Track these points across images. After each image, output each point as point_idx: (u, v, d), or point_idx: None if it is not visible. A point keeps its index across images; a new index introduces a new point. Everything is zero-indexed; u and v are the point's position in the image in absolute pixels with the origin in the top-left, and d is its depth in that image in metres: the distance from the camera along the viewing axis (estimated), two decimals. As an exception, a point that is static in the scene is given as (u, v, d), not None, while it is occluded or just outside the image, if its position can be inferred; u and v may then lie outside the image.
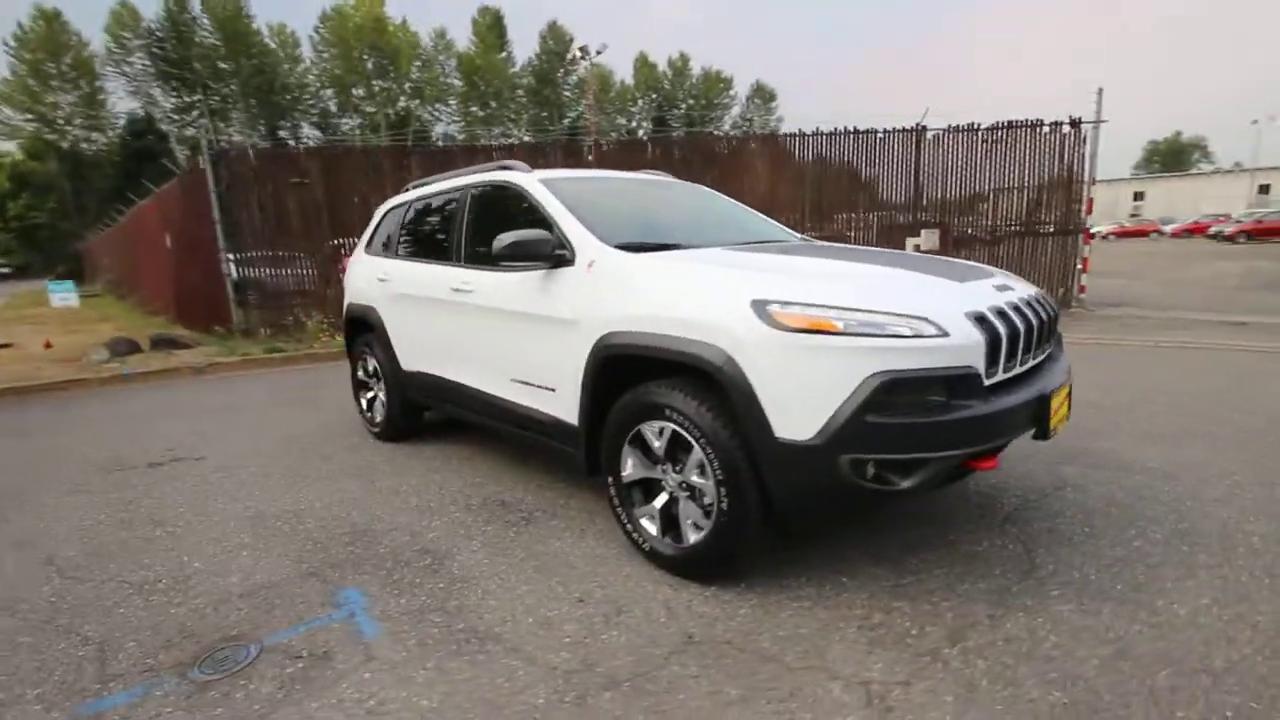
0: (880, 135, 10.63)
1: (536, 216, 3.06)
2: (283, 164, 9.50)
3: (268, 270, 9.40)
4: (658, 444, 2.41)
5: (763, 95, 66.56)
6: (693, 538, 2.37)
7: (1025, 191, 10.75)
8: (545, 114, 55.31)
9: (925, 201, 10.83)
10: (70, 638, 2.25)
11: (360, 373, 4.55)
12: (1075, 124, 10.38)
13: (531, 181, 3.17)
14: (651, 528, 2.52)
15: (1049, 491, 3.08)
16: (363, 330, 4.47)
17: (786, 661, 1.96)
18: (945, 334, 1.99)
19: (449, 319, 3.49)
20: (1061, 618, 2.10)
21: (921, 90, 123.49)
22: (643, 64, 62.27)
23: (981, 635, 2.03)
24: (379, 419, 4.40)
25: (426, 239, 3.97)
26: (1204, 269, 16.32)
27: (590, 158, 10.47)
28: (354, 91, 46.34)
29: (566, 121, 55.08)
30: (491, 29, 51.30)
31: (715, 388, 2.23)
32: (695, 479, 2.31)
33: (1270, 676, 1.80)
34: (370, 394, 4.51)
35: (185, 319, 10.75)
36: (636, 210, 3.27)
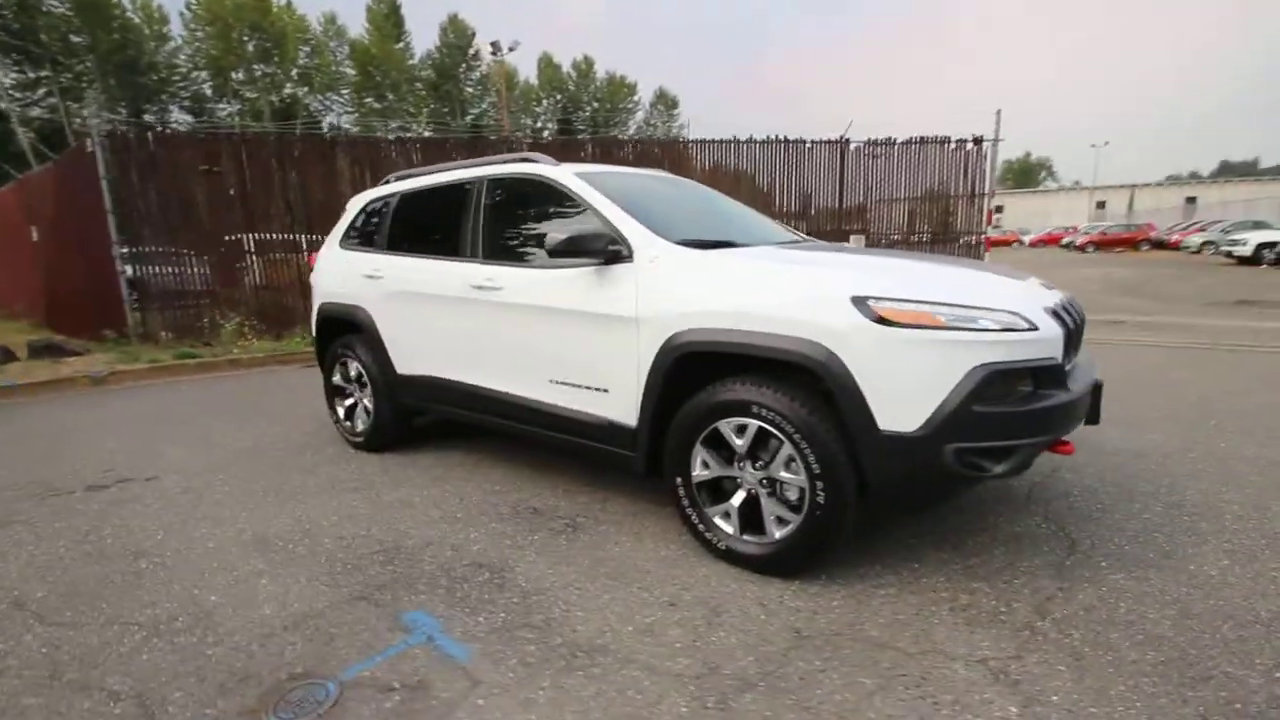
0: (809, 145, 11.17)
1: (573, 211, 2.96)
2: (189, 149, 8.55)
3: (171, 268, 8.43)
4: (739, 441, 2.40)
5: (665, 102, 67.89)
6: (778, 533, 2.37)
7: (935, 201, 11.69)
8: (446, 109, 53.37)
9: (849, 207, 11.51)
10: (93, 695, 1.91)
11: (337, 378, 4.19)
12: (978, 141, 11.41)
13: (567, 175, 3.05)
14: (727, 526, 2.50)
15: (1048, 473, 3.36)
16: (342, 331, 4.12)
17: (901, 647, 2.02)
18: (1035, 327, 2.13)
19: (466, 318, 3.29)
20: (1120, 586, 2.30)
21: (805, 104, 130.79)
22: (547, 64, 61.63)
23: (1061, 607, 2.19)
24: (361, 428, 4.07)
25: (429, 233, 3.72)
26: (1069, 274, 18.40)
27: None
28: (233, 75, 42.44)
29: (469, 118, 53.49)
30: (388, 18, 48.82)
31: (808, 382, 2.26)
32: (783, 474, 2.32)
33: (1307, 623, 2.06)
34: (349, 401, 4.16)
35: (60, 323, 9.44)
36: (674, 207, 3.23)
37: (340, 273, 4.09)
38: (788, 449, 2.27)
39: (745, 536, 2.46)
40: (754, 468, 2.42)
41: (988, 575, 2.40)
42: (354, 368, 4.04)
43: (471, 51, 54.64)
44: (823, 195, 11.42)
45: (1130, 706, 1.74)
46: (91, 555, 2.79)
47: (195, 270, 8.60)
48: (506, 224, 3.30)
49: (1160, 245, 30.84)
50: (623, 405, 2.74)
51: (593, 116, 63.22)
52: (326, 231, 9.38)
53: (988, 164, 11.43)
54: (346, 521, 3.05)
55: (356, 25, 50.92)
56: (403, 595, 2.39)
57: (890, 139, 11.30)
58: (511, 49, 26.48)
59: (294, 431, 4.61)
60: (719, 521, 2.52)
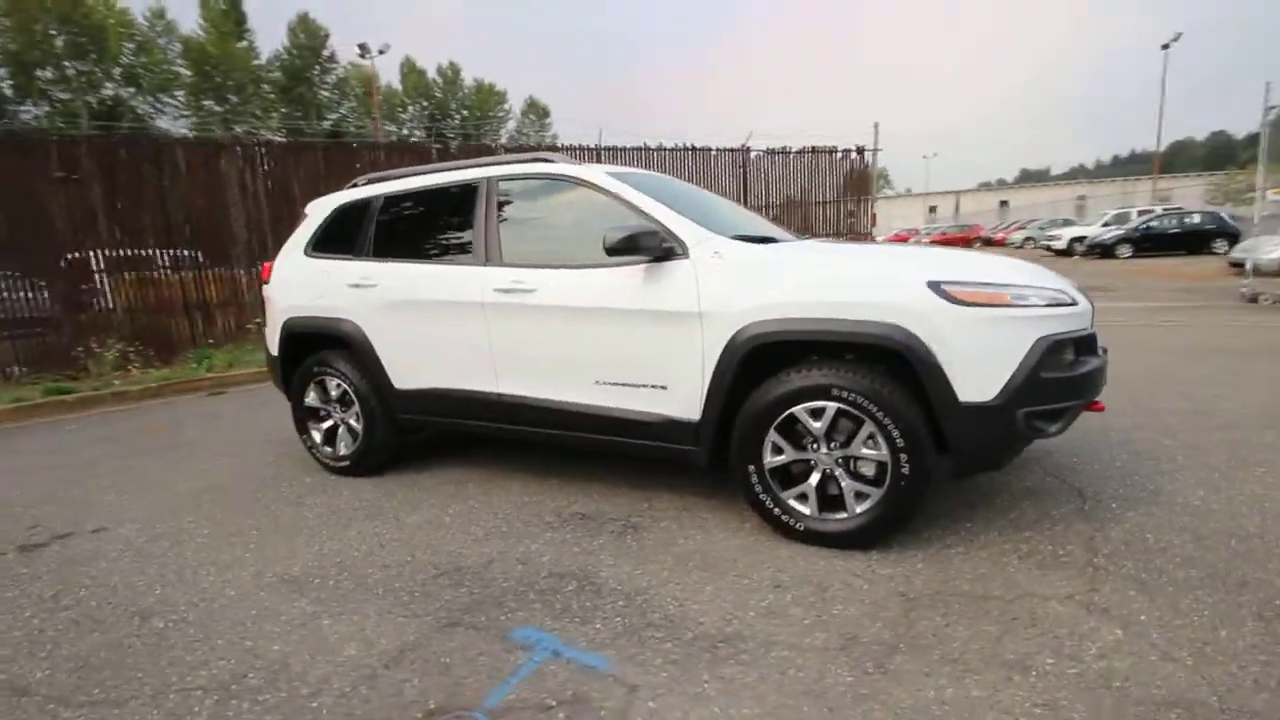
0: (714, 153, 11.66)
1: (608, 211, 2.94)
2: (37, 155, 7.31)
3: (22, 292, 7.15)
4: (817, 424, 2.50)
5: (536, 111, 67.49)
6: (859, 508, 2.51)
7: (825, 205, 12.64)
8: (300, 113, 49.46)
9: (750, 210, 12.13)
10: (197, 770, 1.63)
11: (311, 398, 3.80)
12: (860, 151, 12.50)
13: (599, 175, 3.02)
14: (804, 508, 2.59)
15: (1022, 437, 3.79)
16: (317, 347, 3.75)
17: (999, 595, 2.21)
18: (1075, 302, 2.43)
19: (488, 324, 3.13)
20: (1138, 522, 2.67)
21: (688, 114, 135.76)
22: (410, 70, 59.05)
23: (1104, 545, 2.50)
24: (345, 451, 3.73)
25: (427, 237, 3.49)
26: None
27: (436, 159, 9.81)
28: (38, 73, 36.51)
29: (328, 123, 49.96)
30: (226, 14, 44.36)
31: (884, 363, 2.42)
32: (864, 451, 2.45)
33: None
34: (327, 424, 3.80)
35: None
36: (699, 205, 3.28)
37: (313, 283, 3.72)
38: (868, 427, 2.41)
39: (824, 515, 2.57)
40: (828, 448, 2.54)
41: (1031, 525, 2.69)
42: (335, 386, 3.69)
43: (326, 53, 51.19)
44: (728, 199, 11.97)
45: (1201, 615, 2.03)
46: (80, 623, 2.35)
47: (39, 294, 7.34)
48: (531, 225, 3.20)
49: (989, 242, 35.27)
50: (683, 400, 2.75)
51: (463, 124, 61.47)
52: (210, 246, 8.54)
53: (871, 171, 12.55)
54: (380, 550, 2.80)
55: (189, 21, 45.80)
56: (497, 615, 2.25)
57: (786, 148, 12.08)
58: (382, 52, 25.13)
59: (252, 464, 4.12)
60: (794, 504, 2.61)
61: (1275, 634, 1.92)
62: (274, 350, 3.95)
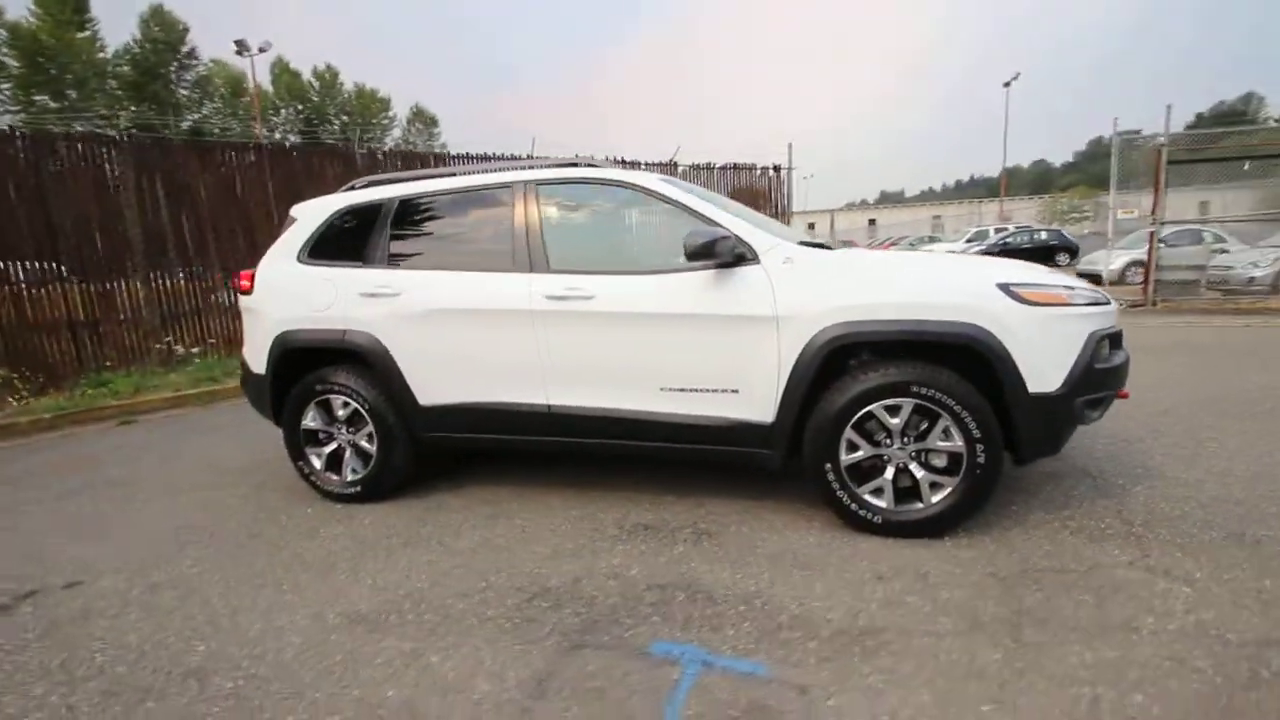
0: (643, 166, 11.83)
1: (669, 217, 2.93)
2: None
3: None
4: (894, 420, 2.63)
5: (424, 119, 65.14)
6: (935, 498, 2.65)
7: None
8: (154, 109, 44.51)
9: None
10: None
11: (310, 421, 3.43)
12: (777, 169, 13.19)
13: (653, 180, 3.00)
14: (881, 501, 2.70)
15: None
16: (321, 363, 3.41)
17: (1075, 569, 2.42)
18: (1109, 301, 2.72)
19: (540, 332, 3.00)
20: (1146, 495, 3.00)
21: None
22: (283, 70, 55.06)
23: (1134, 516, 2.80)
24: (354, 476, 3.41)
25: (458, 243, 3.29)
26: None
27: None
28: None
29: (187, 124, 45.29)
30: (64, 1, 39.20)
31: (958, 359, 2.58)
32: (940, 444, 2.60)
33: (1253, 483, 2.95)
34: (329, 447, 3.45)
35: None
36: (744, 213, 3.32)
37: (313, 293, 3.38)
38: (944, 420, 2.57)
39: (900, 507, 2.69)
40: (902, 443, 2.67)
41: (1064, 504, 2.96)
42: (341, 405, 3.37)
43: (185, 49, 46.57)
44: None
45: (1242, 569, 2.33)
46: (120, 693, 1.98)
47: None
48: (579, 230, 3.11)
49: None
50: (756, 403, 2.78)
51: (343, 130, 58.07)
52: (97, 255, 7.43)
53: (786, 188, 13.28)
54: (446, 578, 2.59)
55: (18, 7, 40.02)
56: (620, 632, 2.15)
57: (710, 164, 12.51)
58: (262, 50, 23.22)
59: (223, 498, 3.65)
60: (870, 498, 2.71)
61: (1311, 579, 2.26)
62: (258, 368, 3.54)
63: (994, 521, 2.81)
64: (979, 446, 2.54)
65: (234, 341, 7.93)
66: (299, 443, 3.47)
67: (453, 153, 10.19)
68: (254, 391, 3.66)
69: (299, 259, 3.50)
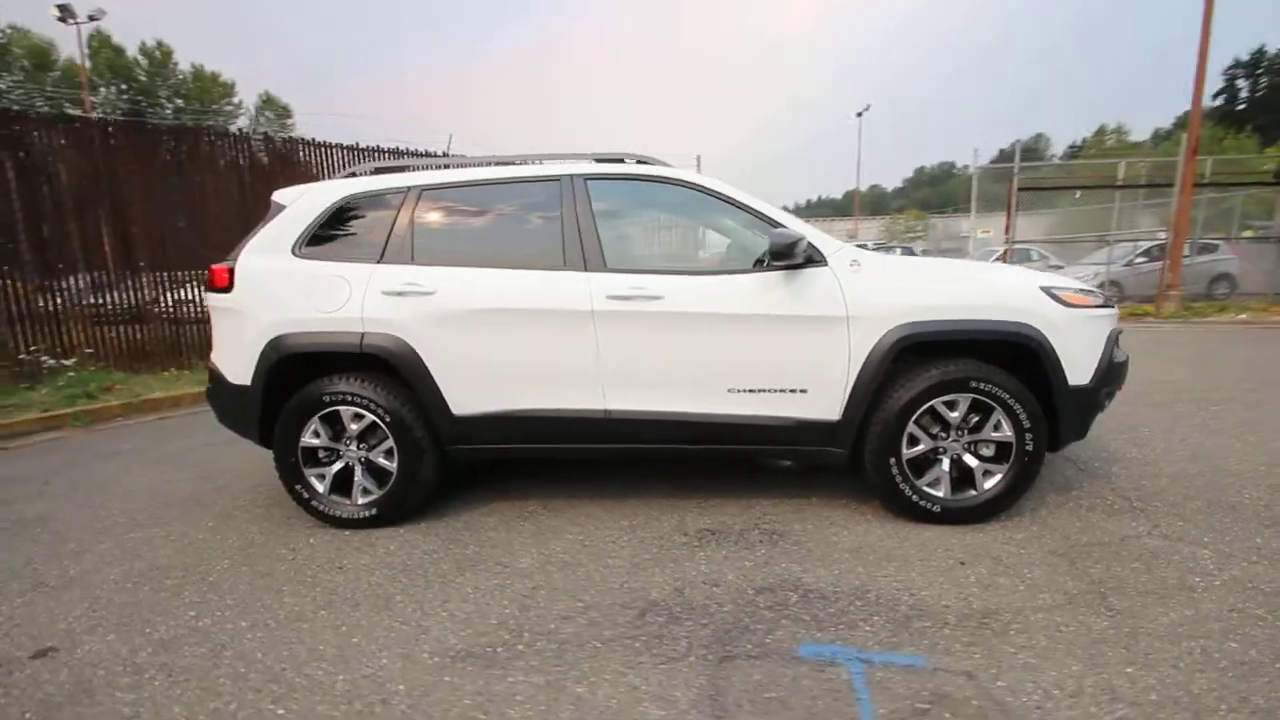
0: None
1: (723, 215, 2.94)
2: None
3: None
4: (954, 414, 2.80)
5: (274, 108, 59.54)
6: (988, 484, 2.85)
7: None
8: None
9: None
10: None
11: (311, 437, 3.00)
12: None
13: (714, 180, 2.97)
14: (939, 490, 2.86)
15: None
16: (324, 370, 2.99)
17: (1111, 541, 2.71)
18: (1112, 305, 3.09)
19: (601, 334, 2.85)
20: (1130, 473, 3.44)
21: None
22: (102, 45, 47.96)
23: (1129, 492, 3.19)
24: (368, 499, 3.03)
25: (498, 238, 3.05)
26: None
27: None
28: None
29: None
30: None
31: (1005, 356, 2.81)
32: (993, 434, 2.81)
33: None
34: (336, 467, 3.04)
35: None
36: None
37: (319, 290, 2.96)
38: (998, 413, 2.78)
39: (957, 496, 2.87)
40: (957, 435, 2.85)
41: (1067, 487, 3.30)
42: (352, 418, 2.98)
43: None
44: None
45: (1235, 531, 2.73)
46: (210, 775, 1.60)
47: None
48: (635, 228, 3.00)
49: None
50: (824, 402, 2.84)
51: (176, 114, 51.53)
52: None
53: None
54: (532, 601, 2.37)
55: None
56: (760, 639, 2.10)
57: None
58: (94, 18, 19.93)
59: (194, 532, 3.09)
60: (929, 489, 2.87)
61: (1292, 535, 2.70)
62: (239, 377, 3.04)
63: (1021, 507, 3.07)
64: (1028, 435, 2.78)
65: (119, 352, 6.76)
66: (297, 463, 3.02)
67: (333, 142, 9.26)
68: (231, 405, 3.13)
69: (294, 252, 3.06)
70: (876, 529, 2.87)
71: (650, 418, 2.91)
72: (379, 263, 3.00)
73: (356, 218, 3.10)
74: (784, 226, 2.84)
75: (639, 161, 3.11)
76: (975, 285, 2.88)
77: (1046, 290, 2.81)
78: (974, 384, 2.75)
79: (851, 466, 2.96)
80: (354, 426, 2.99)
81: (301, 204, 3.13)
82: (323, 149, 8.74)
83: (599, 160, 3.11)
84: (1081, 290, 2.92)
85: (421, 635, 2.18)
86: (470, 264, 2.97)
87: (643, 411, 2.91)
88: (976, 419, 2.83)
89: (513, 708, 1.81)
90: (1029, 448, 2.80)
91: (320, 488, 3.04)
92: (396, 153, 9.58)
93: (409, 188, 3.08)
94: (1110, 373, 2.88)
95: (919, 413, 2.80)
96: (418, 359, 2.92)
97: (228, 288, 3.07)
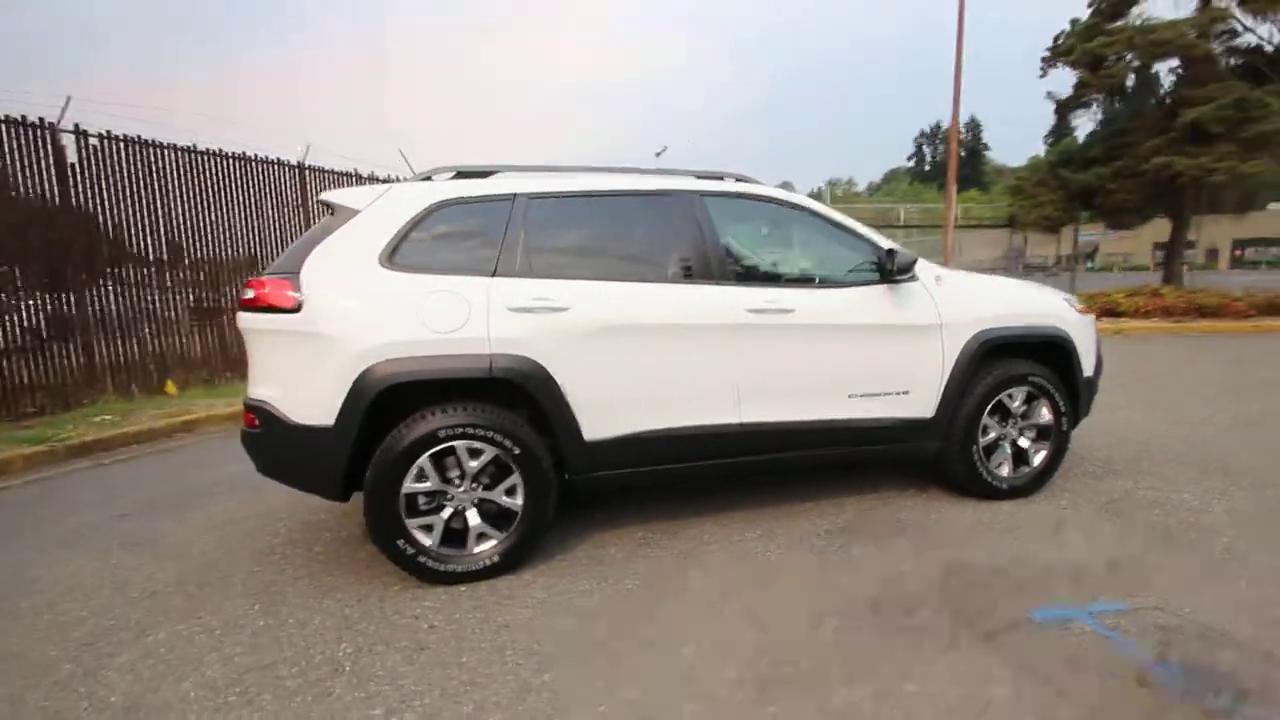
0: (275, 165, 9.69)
1: (818, 235, 3.16)
2: None
3: None
4: (1015, 405, 3.31)
5: None
6: (1035, 461, 3.40)
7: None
8: None
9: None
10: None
11: (416, 481, 2.52)
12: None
13: (811, 201, 3.17)
14: (1004, 471, 3.35)
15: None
16: (426, 401, 2.55)
17: (1124, 498, 3.42)
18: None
19: (740, 347, 2.85)
20: (1101, 442, 4.30)
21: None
22: None
23: (1115, 461, 3.98)
24: (483, 545, 2.63)
25: (615, 251, 2.86)
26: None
27: None
28: None
29: None
30: None
31: (1044, 354, 3.40)
32: (1039, 419, 3.38)
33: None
34: (446, 513, 2.60)
35: None
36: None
37: (431, 308, 2.52)
38: (1042, 400, 3.36)
39: (1015, 473, 3.38)
40: (1015, 422, 3.37)
41: (1070, 470, 4.03)
42: (469, 454, 2.57)
43: None
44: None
45: (1241, 490, 3.55)
46: None
47: None
48: (749, 244, 3.06)
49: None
50: (922, 402, 3.17)
51: None
52: None
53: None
54: (763, 618, 2.30)
55: None
56: (999, 616, 2.28)
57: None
58: None
59: (244, 620, 2.39)
60: (998, 470, 3.34)
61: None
62: (315, 417, 2.46)
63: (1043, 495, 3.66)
64: (1064, 419, 3.40)
65: None
66: (399, 514, 2.51)
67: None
68: (295, 452, 2.51)
69: (383, 263, 2.57)
70: (967, 511, 3.25)
71: (778, 428, 2.98)
72: (493, 276, 2.66)
73: (454, 225, 2.71)
74: (879, 245, 3.14)
75: (737, 180, 3.20)
76: (1025, 296, 3.47)
77: (1066, 298, 3.49)
78: (1030, 378, 3.30)
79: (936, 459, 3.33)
80: (472, 464, 2.59)
81: (382, 207, 2.66)
82: (152, 149, 7.16)
83: (700, 177, 3.13)
84: (1080, 301, 3.67)
85: (695, 673, 2.00)
86: (595, 277, 2.78)
87: (770, 422, 2.96)
88: (1025, 408, 3.38)
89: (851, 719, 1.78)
90: (1064, 428, 3.41)
91: (428, 540, 2.57)
92: (243, 158, 8.15)
93: (515, 195, 2.78)
94: (1099, 365, 3.64)
95: (990, 405, 3.27)
96: (553, 381, 2.64)
97: (295, 307, 2.48)
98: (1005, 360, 3.31)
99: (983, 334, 3.21)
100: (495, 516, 2.67)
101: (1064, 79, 15.39)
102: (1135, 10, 13.94)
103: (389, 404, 2.54)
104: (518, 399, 2.67)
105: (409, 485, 2.53)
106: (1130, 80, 14.33)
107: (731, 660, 2.07)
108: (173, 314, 7.47)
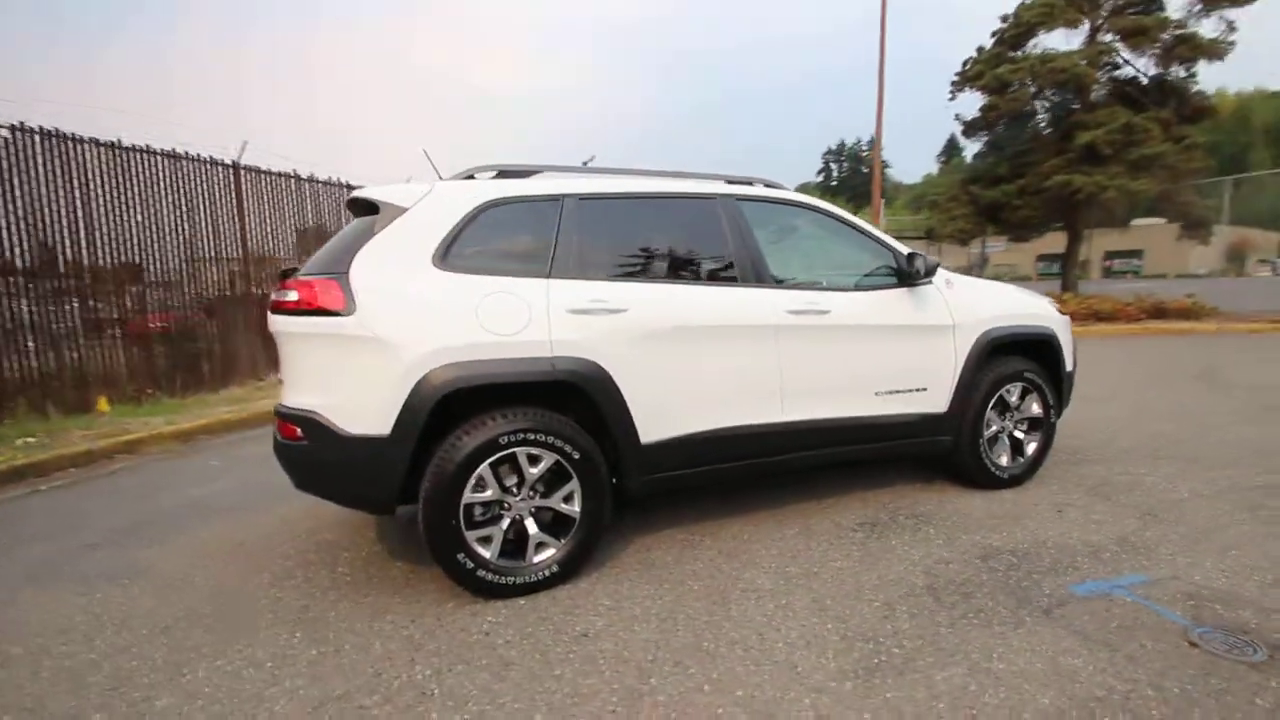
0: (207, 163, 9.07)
1: (842, 239, 3.30)
2: None
3: None
4: (1013, 399, 3.57)
5: None
6: (1029, 450, 3.67)
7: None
8: None
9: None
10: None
11: (475, 490, 2.42)
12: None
13: (834, 206, 3.29)
14: (1004, 461, 3.59)
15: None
16: (485, 406, 2.46)
17: (1102, 483, 3.74)
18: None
19: (782, 347, 2.92)
20: (1094, 436, 4.68)
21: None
22: None
23: (1113, 450, 4.37)
24: (542, 555, 2.57)
25: (662, 253, 2.86)
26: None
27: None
28: None
29: None
30: None
31: (1035, 352, 3.68)
32: (1031, 412, 3.65)
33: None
34: (505, 522, 2.51)
35: None
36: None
37: (490, 310, 2.43)
38: (1034, 395, 3.63)
39: (1012, 463, 3.63)
40: (1012, 415, 3.62)
41: (1058, 449, 4.35)
42: (529, 460, 2.50)
43: None
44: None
45: (1245, 466, 3.98)
46: None
47: None
48: (783, 248, 3.14)
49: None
50: (937, 398, 3.35)
51: None
52: None
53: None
54: (832, 610, 2.36)
55: None
56: (1047, 594, 2.45)
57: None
58: None
59: (298, 651, 2.21)
60: (1001, 461, 3.58)
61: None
62: (368, 426, 2.32)
63: (1045, 482, 3.96)
64: (1052, 411, 3.69)
65: None
66: (458, 526, 2.40)
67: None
68: (343, 465, 2.34)
69: (436, 264, 2.46)
70: (975, 500, 3.46)
71: (816, 425, 3.08)
72: (548, 277, 2.60)
73: (504, 226, 2.64)
74: (898, 248, 3.31)
75: (766, 185, 3.29)
76: (1020, 298, 3.74)
77: (1049, 299, 3.80)
78: (1025, 374, 3.57)
79: (948, 452, 3.53)
80: (532, 470, 2.52)
81: (432, 206, 2.54)
82: (72, 143, 6.47)
83: (731, 182, 3.20)
84: (1058, 303, 4.01)
85: (798, 667, 2.03)
86: (647, 280, 2.78)
87: (808, 420, 3.05)
88: (1020, 402, 3.65)
89: (963, 698, 1.87)
90: (1052, 420, 3.71)
91: (487, 553, 2.47)
92: (172, 155, 7.51)
93: (564, 195, 2.74)
94: (1075, 361, 3.99)
95: (992, 400, 3.50)
96: (612, 383, 2.61)
97: (344, 310, 2.33)
98: (1003, 358, 3.56)
99: (988, 333, 3.44)
100: (550, 524, 2.61)
101: (972, 102, 16.71)
102: (1032, 41, 15.37)
103: (439, 411, 2.44)
104: (568, 403, 2.63)
105: (468, 495, 2.42)
106: (1034, 104, 15.69)
107: (827, 651, 2.12)
108: (88, 324, 6.75)
